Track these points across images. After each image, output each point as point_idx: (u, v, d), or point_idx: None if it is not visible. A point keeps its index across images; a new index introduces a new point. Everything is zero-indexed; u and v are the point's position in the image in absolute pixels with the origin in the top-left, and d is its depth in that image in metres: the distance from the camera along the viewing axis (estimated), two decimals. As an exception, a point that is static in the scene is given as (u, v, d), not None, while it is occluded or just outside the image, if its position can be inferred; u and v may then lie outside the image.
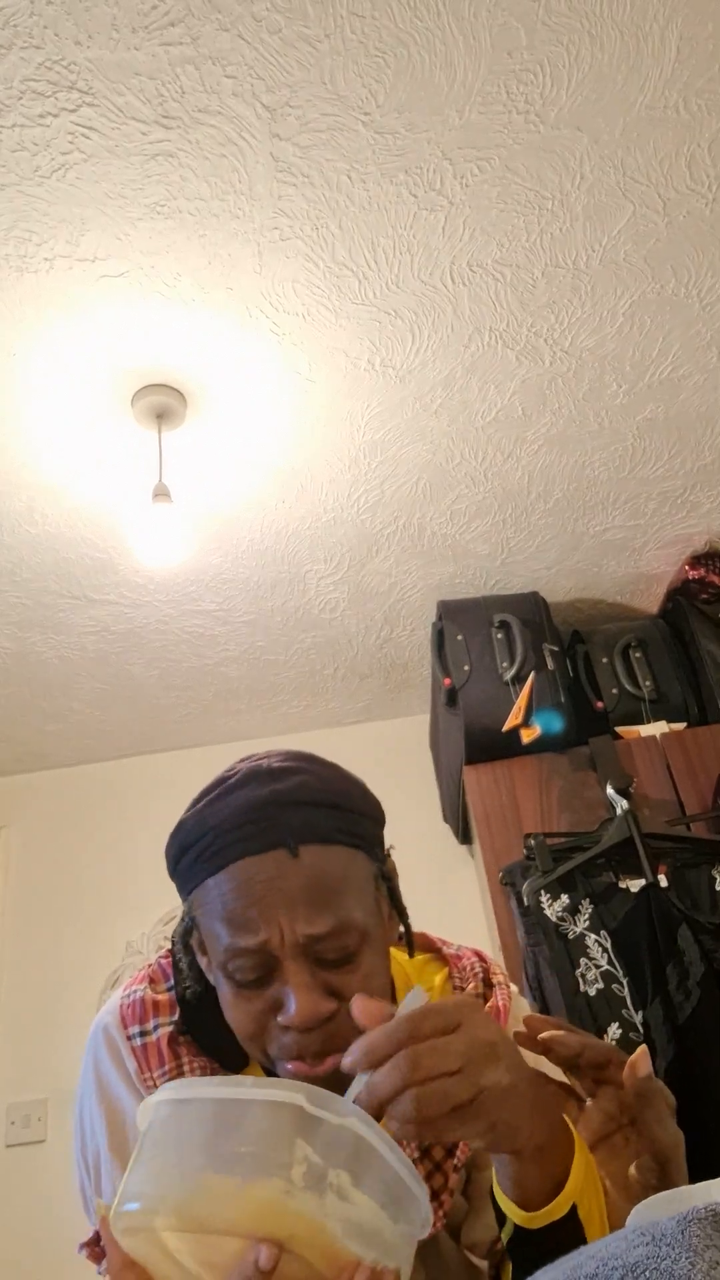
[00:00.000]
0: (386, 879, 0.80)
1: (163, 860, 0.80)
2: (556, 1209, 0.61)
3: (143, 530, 1.92)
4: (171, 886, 0.80)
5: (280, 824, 0.72)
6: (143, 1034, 0.83)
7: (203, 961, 0.79)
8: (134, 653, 2.67)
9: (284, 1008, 0.69)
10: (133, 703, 2.88)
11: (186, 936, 0.80)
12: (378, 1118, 0.56)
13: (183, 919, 0.80)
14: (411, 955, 0.88)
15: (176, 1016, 0.82)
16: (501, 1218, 0.65)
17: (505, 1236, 0.65)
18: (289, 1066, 0.71)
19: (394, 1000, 0.85)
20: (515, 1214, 0.63)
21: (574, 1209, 0.61)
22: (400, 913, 0.82)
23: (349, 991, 0.69)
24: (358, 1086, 0.57)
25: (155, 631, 2.60)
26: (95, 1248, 0.81)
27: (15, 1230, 2.43)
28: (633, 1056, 0.70)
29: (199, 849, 0.75)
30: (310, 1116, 0.53)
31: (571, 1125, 0.65)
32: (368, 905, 0.75)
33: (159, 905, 2.76)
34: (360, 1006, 0.61)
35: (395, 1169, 0.55)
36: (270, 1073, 0.79)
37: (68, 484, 2.11)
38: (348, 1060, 0.58)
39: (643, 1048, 0.71)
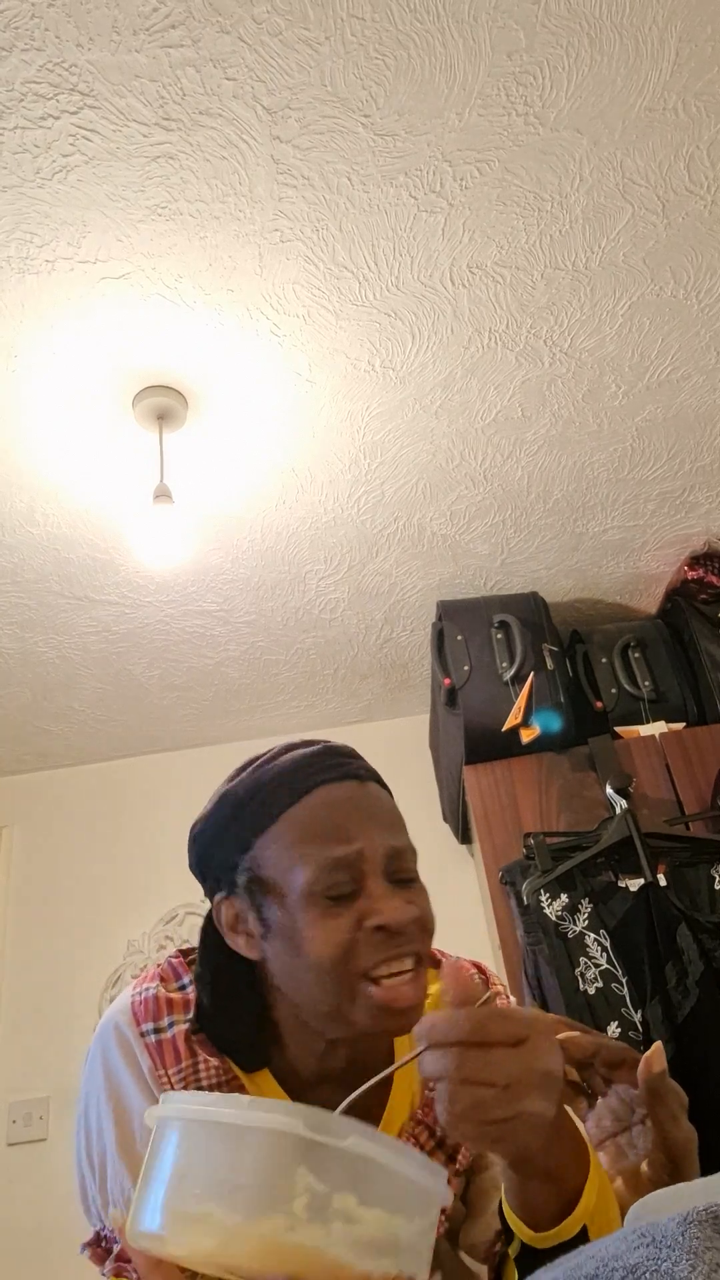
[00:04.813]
0: None
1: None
2: (565, 1230, 0.60)
3: (144, 531, 1.92)
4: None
5: (345, 761, 0.82)
6: (157, 1030, 0.82)
7: (237, 940, 0.80)
8: (135, 653, 2.67)
9: (376, 913, 0.74)
10: (134, 703, 2.88)
11: (215, 915, 0.82)
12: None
13: (221, 888, 0.81)
14: None
15: (191, 1015, 0.82)
16: (509, 1233, 0.65)
17: (513, 1252, 0.65)
18: (376, 990, 0.73)
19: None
20: (523, 1233, 0.62)
21: (584, 1231, 0.60)
22: None
23: (417, 906, 0.78)
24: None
25: (156, 632, 2.61)
26: (97, 1248, 0.81)
27: (16, 1229, 2.43)
28: (648, 1053, 0.70)
29: (263, 797, 0.79)
30: (311, 1142, 0.51)
31: (589, 1145, 0.64)
32: None
33: (160, 905, 2.75)
34: (450, 971, 0.62)
35: (404, 1172, 0.53)
36: (293, 1072, 0.80)
37: (69, 485, 2.11)
38: (417, 1030, 0.60)
39: (658, 1044, 0.71)
